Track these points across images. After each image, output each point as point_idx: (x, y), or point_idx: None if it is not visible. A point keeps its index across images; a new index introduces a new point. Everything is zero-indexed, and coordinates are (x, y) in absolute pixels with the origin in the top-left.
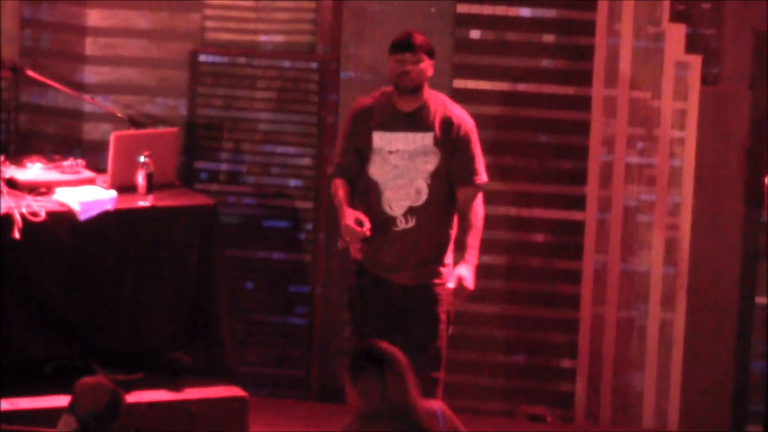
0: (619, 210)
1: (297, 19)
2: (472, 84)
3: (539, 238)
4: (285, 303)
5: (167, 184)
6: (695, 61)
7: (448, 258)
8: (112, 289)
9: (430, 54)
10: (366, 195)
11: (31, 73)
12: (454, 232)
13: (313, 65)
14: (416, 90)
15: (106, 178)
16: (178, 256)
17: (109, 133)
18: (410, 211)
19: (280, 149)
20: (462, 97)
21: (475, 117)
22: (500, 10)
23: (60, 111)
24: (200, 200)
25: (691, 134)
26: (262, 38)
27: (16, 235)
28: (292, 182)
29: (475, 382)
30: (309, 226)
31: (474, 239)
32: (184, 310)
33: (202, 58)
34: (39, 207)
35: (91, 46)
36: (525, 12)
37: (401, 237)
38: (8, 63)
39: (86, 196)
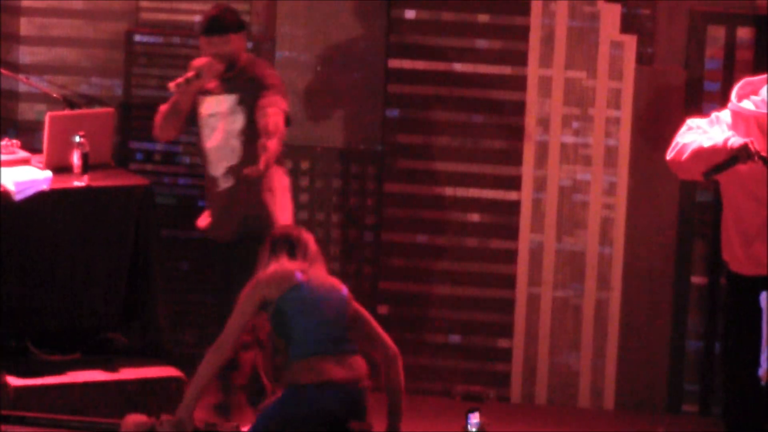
0: (555, 189)
1: None
2: (407, 64)
3: (475, 217)
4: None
5: (103, 164)
6: (630, 40)
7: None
8: (47, 269)
9: (239, 28)
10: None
11: None
12: (278, 185)
13: (249, 45)
14: (231, 68)
15: (41, 158)
16: (113, 236)
17: (44, 113)
18: (229, 171)
19: None
20: (397, 76)
21: (411, 97)
22: None
23: None
24: (135, 180)
25: (626, 114)
26: (198, 18)
27: None
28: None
29: (412, 362)
30: None
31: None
32: (120, 290)
33: (137, 38)
34: None
35: (25, 26)
36: None
37: (222, 196)
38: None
39: (21, 176)
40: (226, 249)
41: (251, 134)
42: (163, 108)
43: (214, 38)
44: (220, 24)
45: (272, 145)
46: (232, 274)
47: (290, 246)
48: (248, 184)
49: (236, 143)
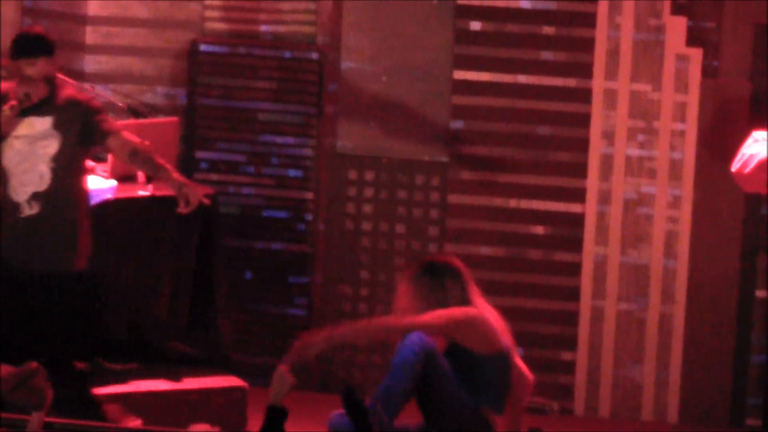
0: (619, 202)
1: (297, 10)
2: (472, 75)
3: (539, 230)
4: (284, 293)
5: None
6: (696, 54)
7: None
8: (111, 278)
9: (51, 51)
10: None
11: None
12: (85, 218)
13: (314, 56)
14: (47, 90)
15: (106, 167)
16: (177, 245)
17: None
18: (34, 197)
19: (279, 139)
20: (462, 88)
21: (475, 108)
22: (501, 2)
23: None
24: (200, 190)
25: (691, 127)
26: (263, 28)
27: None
28: (292, 172)
29: None
30: (309, 217)
31: (162, 164)
32: (184, 300)
33: (202, 47)
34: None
35: (91, 35)
36: (525, 4)
37: (26, 224)
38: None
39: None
40: (23, 280)
41: (64, 160)
42: None
43: (32, 60)
44: (36, 46)
45: (169, 165)
46: (25, 307)
47: (459, 277)
48: (58, 211)
49: (45, 169)
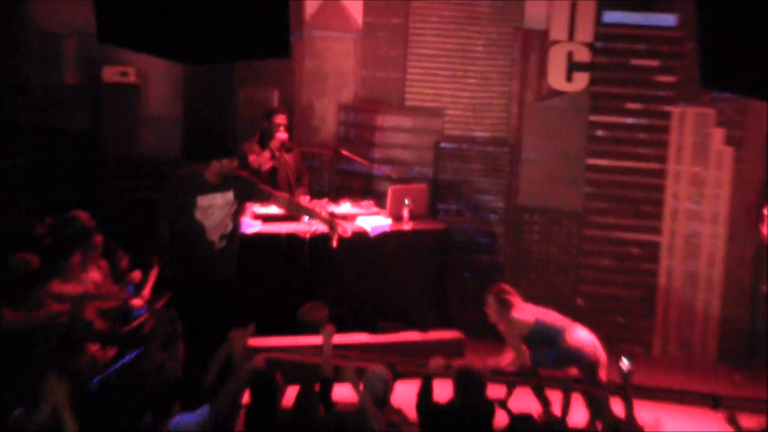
0: (682, 236)
1: (496, 120)
2: (601, 162)
3: (635, 251)
4: (485, 284)
5: (421, 216)
6: (729, 150)
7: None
8: (387, 279)
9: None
10: (191, 230)
11: (344, 152)
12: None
13: (506, 149)
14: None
15: (386, 212)
16: (426, 259)
17: (388, 186)
18: (222, 237)
19: (485, 197)
20: (593, 169)
21: (600, 180)
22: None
23: (359, 174)
24: (439, 226)
25: (725, 192)
26: (477, 133)
27: (335, 244)
28: (492, 216)
29: None
30: (500, 241)
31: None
32: (432, 293)
33: (442, 145)
34: (348, 228)
35: (378, 136)
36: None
37: (218, 252)
38: (332, 147)
39: (374, 222)
40: (215, 281)
41: (237, 215)
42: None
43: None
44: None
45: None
46: (214, 296)
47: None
48: (232, 244)
49: (228, 221)
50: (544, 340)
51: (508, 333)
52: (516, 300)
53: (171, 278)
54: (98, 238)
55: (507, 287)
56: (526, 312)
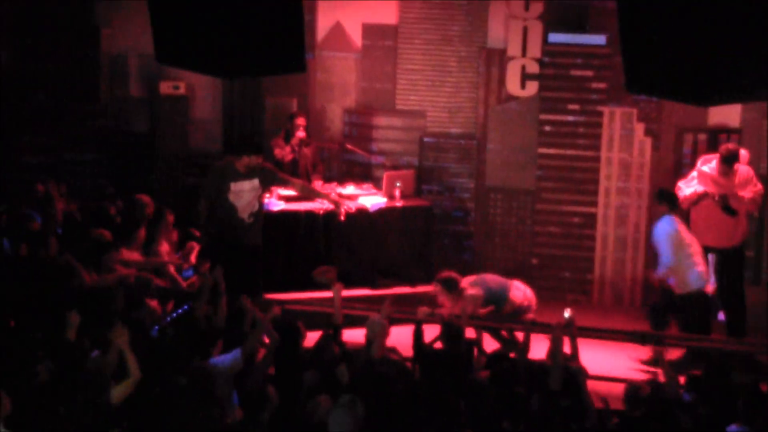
0: (612, 207)
1: (466, 119)
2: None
3: (576, 220)
4: (458, 248)
5: (409, 195)
6: (647, 139)
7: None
8: (384, 245)
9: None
10: (226, 209)
11: (348, 146)
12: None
13: (474, 142)
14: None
15: (382, 193)
16: (414, 229)
17: (383, 172)
18: (250, 215)
19: (459, 180)
20: (544, 157)
21: (550, 166)
22: (556, 116)
23: (361, 163)
24: (424, 203)
25: (646, 172)
26: (452, 130)
27: (342, 218)
28: (464, 195)
29: None
30: (471, 215)
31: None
32: (420, 253)
33: (425, 139)
34: (352, 205)
35: (375, 133)
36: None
37: (248, 226)
38: (339, 142)
39: (373, 201)
40: (245, 248)
41: (261, 197)
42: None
43: (253, 158)
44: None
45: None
46: (244, 259)
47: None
48: (258, 220)
49: (255, 203)
50: (493, 300)
51: (467, 310)
52: (458, 276)
53: (211, 247)
54: (170, 217)
55: (445, 271)
56: (472, 286)
